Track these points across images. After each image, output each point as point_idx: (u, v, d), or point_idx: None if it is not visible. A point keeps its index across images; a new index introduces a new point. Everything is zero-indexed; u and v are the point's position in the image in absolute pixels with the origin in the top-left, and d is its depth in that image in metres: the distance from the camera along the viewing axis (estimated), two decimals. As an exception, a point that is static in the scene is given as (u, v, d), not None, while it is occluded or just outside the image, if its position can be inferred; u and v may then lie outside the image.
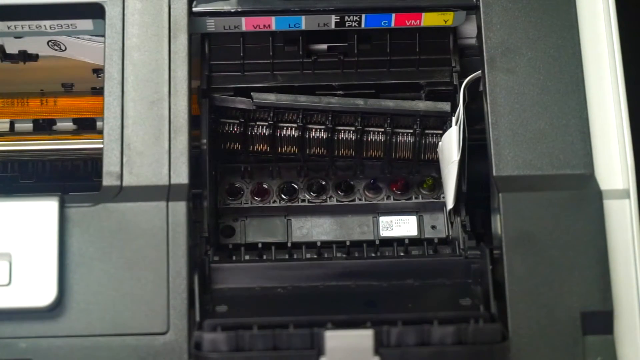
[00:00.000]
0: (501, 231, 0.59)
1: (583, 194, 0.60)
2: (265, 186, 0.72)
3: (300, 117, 0.69)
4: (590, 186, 0.60)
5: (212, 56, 0.69)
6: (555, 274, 0.59)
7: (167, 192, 0.60)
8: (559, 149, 0.62)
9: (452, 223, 0.68)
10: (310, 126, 0.70)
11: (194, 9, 0.65)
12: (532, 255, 0.59)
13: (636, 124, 0.64)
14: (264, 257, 0.66)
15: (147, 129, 0.61)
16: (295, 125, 0.70)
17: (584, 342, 0.58)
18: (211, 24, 0.66)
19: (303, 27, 0.66)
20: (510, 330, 0.57)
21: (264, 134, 0.70)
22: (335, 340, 0.53)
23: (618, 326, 0.59)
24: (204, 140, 0.66)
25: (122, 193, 0.60)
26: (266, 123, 0.70)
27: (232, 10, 0.65)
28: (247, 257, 0.65)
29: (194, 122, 0.67)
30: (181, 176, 0.61)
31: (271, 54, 0.69)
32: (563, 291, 0.58)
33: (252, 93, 0.69)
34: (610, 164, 0.62)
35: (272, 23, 0.66)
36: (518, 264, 0.59)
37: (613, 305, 0.58)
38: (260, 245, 0.66)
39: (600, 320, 0.58)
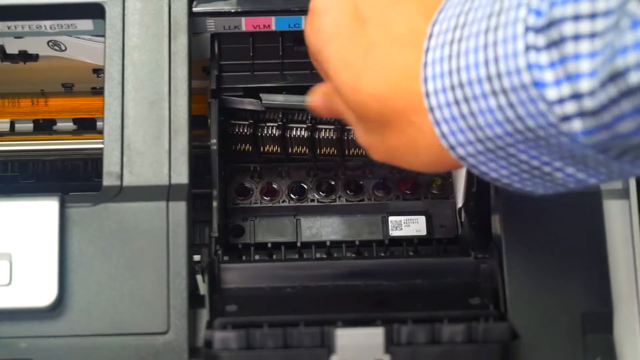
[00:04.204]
0: (501, 231, 0.59)
1: (582, 194, 0.60)
2: (274, 186, 0.72)
3: (310, 117, 0.69)
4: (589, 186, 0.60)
5: (221, 56, 0.68)
6: (555, 274, 0.59)
7: (167, 192, 0.60)
8: (558, 149, 0.62)
9: (461, 223, 0.68)
10: (320, 126, 0.70)
11: (194, 9, 0.65)
12: (532, 256, 0.59)
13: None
14: (274, 256, 0.66)
15: (147, 129, 0.61)
16: (304, 125, 0.69)
17: (584, 341, 0.58)
18: (211, 24, 0.66)
19: (303, 27, 0.66)
20: (510, 330, 0.57)
21: (274, 134, 0.70)
22: (346, 338, 0.53)
23: (618, 326, 0.59)
24: (214, 141, 0.66)
25: (122, 193, 0.60)
26: (276, 124, 0.69)
27: (232, 11, 0.65)
28: (256, 257, 0.65)
29: (200, 122, 0.67)
30: (181, 176, 0.61)
31: (280, 53, 0.69)
32: (563, 291, 0.58)
33: (260, 94, 0.68)
34: (610, 164, 0.62)
35: (272, 23, 0.66)
36: (518, 264, 0.59)
37: (613, 305, 0.59)
38: (269, 245, 0.66)
39: (600, 320, 0.58)
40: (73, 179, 0.75)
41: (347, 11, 0.49)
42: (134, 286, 0.58)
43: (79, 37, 0.70)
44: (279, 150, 0.71)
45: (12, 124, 0.77)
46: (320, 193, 0.71)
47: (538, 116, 0.40)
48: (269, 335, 0.53)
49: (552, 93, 0.38)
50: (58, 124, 0.78)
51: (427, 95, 0.44)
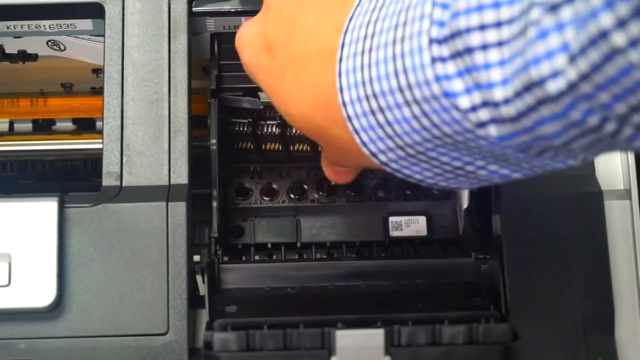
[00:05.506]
0: (501, 231, 0.59)
1: (584, 194, 0.60)
2: (274, 186, 0.71)
3: None
4: (591, 186, 0.60)
5: (221, 56, 0.68)
6: (556, 275, 0.58)
7: (166, 193, 0.60)
8: (559, 149, 0.62)
9: (462, 223, 0.68)
10: None
11: (194, 9, 0.64)
12: (533, 256, 0.59)
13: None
14: (274, 257, 0.65)
15: (147, 129, 0.61)
16: None
17: (585, 342, 0.58)
18: (211, 24, 0.66)
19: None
20: (511, 331, 0.57)
21: (274, 132, 0.70)
22: (346, 339, 0.53)
23: (619, 326, 0.59)
24: (214, 141, 0.65)
25: (122, 193, 0.60)
26: (275, 122, 0.69)
27: (232, 10, 0.65)
28: (256, 258, 0.65)
29: (200, 122, 0.67)
30: (181, 176, 0.61)
31: None
32: (564, 291, 0.58)
33: (258, 93, 0.68)
34: (611, 164, 0.62)
35: (272, 23, 0.66)
36: (519, 264, 0.58)
37: (614, 306, 0.58)
38: (269, 246, 0.66)
39: (601, 321, 0.58)
40: (72, 179, 0.75)
41: (258, 43, 0.51)
42: (134, 287, 0.58)
43: (78, 37, 0.70)
44: (280, 148, 0.70)
45: (11, 124, 0.77)
46: (321, 193, 0.71)
47: (453, 123, 0.40)
48: (269, 336, 0.53)
49: (463, 101, 0.39)
50: (57, 124, 0.78)
51: (344, 104, 0.44)
